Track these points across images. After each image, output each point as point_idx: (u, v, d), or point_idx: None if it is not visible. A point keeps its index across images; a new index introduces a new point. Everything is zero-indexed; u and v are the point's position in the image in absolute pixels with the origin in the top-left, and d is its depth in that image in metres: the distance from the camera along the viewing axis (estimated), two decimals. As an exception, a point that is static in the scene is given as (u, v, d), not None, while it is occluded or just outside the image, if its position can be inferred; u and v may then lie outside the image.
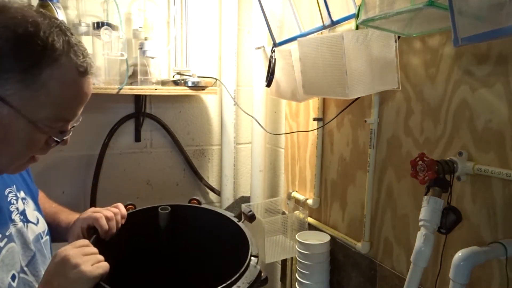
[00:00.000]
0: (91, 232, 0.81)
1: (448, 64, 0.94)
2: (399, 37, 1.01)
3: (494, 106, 0.84)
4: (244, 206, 0.88)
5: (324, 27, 1.16)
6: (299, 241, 1.31)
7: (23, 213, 0.77)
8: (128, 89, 1.40)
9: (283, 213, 1.64)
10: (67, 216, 0.93)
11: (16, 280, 0.68)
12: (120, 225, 0.84)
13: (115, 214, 0.84)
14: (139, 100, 1.57)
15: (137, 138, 1.62)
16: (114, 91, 1.36)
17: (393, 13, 0.77)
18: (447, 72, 0.94)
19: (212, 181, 1.79)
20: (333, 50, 0.99)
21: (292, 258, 1.54)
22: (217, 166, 1.80)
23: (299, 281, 1.33)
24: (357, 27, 0.98)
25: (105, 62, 1.38)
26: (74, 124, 0.74)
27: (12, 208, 0.74)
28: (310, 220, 1.48)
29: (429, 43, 0.98)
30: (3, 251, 0.67)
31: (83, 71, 0.67)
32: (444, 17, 0.70)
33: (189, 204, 0.95)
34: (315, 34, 1.20)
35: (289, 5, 1.31)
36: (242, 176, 1.86)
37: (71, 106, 0.68)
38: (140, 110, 1.58)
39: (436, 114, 0.97)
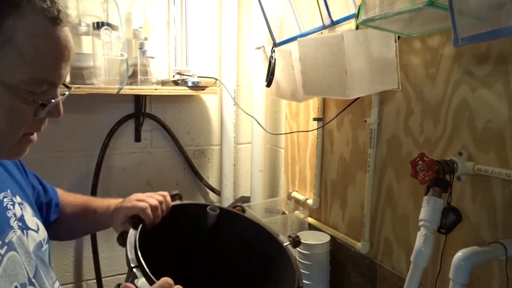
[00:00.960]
0: (136, 220, 0.76)
1: (448, 64, 0.94)
2: (399, 37, 1.01)
3: (494, 106, 0.84)
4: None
5: (324, 27, 1.16)
6: (299, 241, 1.31)
7: (21, 220, 0.70)
8: (128, 89, 1.40)
9: (283, 213, 1.64)
10: (102, 202, 0.89)
11: None
12: (164, 214, 0.80)
13: (160, 203, 0.80)
14: (139, 100, 1.57)
15: (137, 138, 1.62)
16: (114, 91, 1.36)
17: (393, 13, 0.77)
18: (447, 72, 0.94)
19: (212, 181, 1.79)
20: (333, 50, 0.99)
21: (292, 258, 1.54)
22: (217, 166, 1.80)
23: (299, 281, 1.33)
24: (357, 27, 0.98)
25: (105, 62, 1.38)
26: (66, 92, 0.66)
27: (10, 214, 0.68)
28: (310, 220, 1.48)
29: (429, 43, 0.98)
30: (4, 260, 0.61)
31: (54, 18, 0.57)
32: (444, 17, 0.70)
33: (237, 212, 0.89)
34: (315, 34, 1.20)
35: (289, 5, 1.31)
36: (242, 176, 1.86)
37: (50, 64, 0.59)
38: (140, 110, 1.58)
39: (436, 114, 0.97)
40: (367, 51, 0.99)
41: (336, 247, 1.34)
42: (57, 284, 0.74)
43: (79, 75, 1.36)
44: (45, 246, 0.76)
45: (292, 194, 1.59)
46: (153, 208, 0.78)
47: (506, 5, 0.61)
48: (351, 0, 1.10)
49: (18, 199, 0.73)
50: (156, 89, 1.46)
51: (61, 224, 0.90)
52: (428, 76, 0.99)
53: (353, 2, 1.09)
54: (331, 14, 1.12)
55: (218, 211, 0.85)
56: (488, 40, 0.77)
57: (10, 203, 0.70)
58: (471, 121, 0.89)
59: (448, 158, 0.90)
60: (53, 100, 0.61)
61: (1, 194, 0.69)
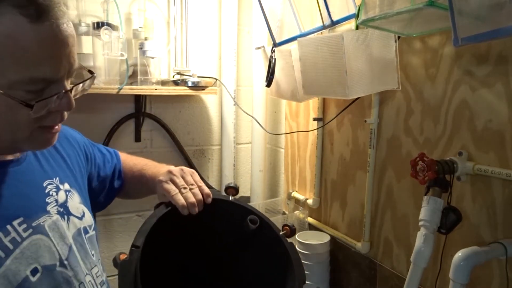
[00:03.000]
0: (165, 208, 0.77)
1: (448, 64, 0.94)
2: (399, 37, 1.01)
3: (494, 106, 0.84)
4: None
5: (324, 27, 1.16)
6: (299, 241, 1.31)
7: (63, 206, 0.73)
8: (128, 89, 1.40)
9: (283, 213, 1.64)
10: (153, 170, 0.91)
11: (38, 275, 0.64)
12: (202, 207, 0.78)
13: (195, 195, 0.79)
14: (139, 100, 1.57)
15: (137, 138, 1.62)
16: (114, 91, 1.36)
17: (393, 13, 0.77)
18: (447, 72, 0.94)
19: (212, 181, 1.79)
20: (333, 50, 0.99)
21: (292, 258, 1.54)
22: (217, 166, 1.80)
23: (299, 281, 1.33)
24: (357, 27, 0.98)
25: (105, 62, 1.38)
26: (79, 82, 0.67)
27: (50, 199, 0.71)
28: (310, 220, 1.48)
29: (429, 43, 0.98)
30: (25, 243, 0.64)
31: (31, 16, 0.56)
32: (444, 17, 0.70)
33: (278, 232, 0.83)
34: (315, 34, 1.20)
35: (289, 5, 1.31)
36: (242, 176, 1.86)
37: (41, 61, 0.58)
38: (140, 110, 1.58)
39: (436, 114, 0.97)
40: (367, 51, 0.99)
41: (336, 247, 1.34)
42: (96, 269, 0.76)
43: (79, 75, 1.36)
44: (91, 233, 0.79)
45: (292, 194, 1.59)
46: (190, 205, 0.77)
47: (506, 5, 0.61)
48: (351, 0, 1.10)
49: (66, 186, 0.76)
50: (156, 89, 1.46)
51: (126, 186, 0.98)
52: (428, 76, 0.99)
53: (353, 2, 1.09)
54: (331, 14, 1.12)
55: (258, 224, 0.80)
56: (488, 40, 0.77)
57: (54, 189, 0.73)
58: (471, 121, 0.89)
59: (448, 158, 0.90)
60: (55, 96, 0.61)
61: (47, 181, 0.73)
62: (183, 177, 0.82)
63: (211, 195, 0.81)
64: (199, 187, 0.81)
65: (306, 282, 0.75)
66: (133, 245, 0.66)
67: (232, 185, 0.85)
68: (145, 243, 0.67)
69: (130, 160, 1.01)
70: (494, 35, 0.64)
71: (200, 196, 0.79)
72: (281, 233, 0.80)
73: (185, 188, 0.79)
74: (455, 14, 0.67)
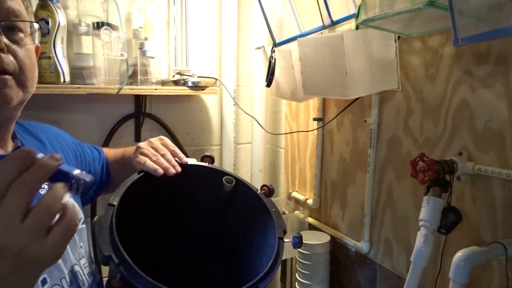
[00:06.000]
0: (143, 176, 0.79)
1: (448, 64, 0.94)
2: (399, 37, 1.01)
3: (494, 106, 0.84)
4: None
5: (324, 27, 1.16)
6: (299, 241, 1.31)
7: None
8: (128, 89, 1.40)
9: (283, 213, 1.64)
10: (130, 152, 0.93)
11: (47, 286, 0.65)
12: (179, 169, 0.80)
13: (168, 161, 0.80)
14: (139, 100, 1.57)
15: (137, 138, 1.61)
16: (114, 91, 1.36)
17: (393, 13, 0.77)
18: (447, 72, 0.94)
19: (212, 181, 1.79)
20: (333, 50, 0.99)
21: (292, 258, 1.54)
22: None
23: (299, 281, 1.33)
24: (357, 27, 0.98)
25: (105, 62, 1.37)
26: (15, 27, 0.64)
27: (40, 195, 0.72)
28: (310, 220, 1.48)
29: (429, 43, 0.98)
30: None
31: None
32: (444, 17, 0.70)
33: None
34: (315, 34, 1.20)
35: (289, 5, 1.31)
36: (242, 176, 1.83)
37: None
38: (140, 110, 1.58)
39: (436, 114, 0.97)
40: (367, 51, 0.99)
41: (336, 247, 1.34)
42: (83, 260, 0.76)
43: (79, 75, 1.36)
44: (80, 226, 0.80)
45: (292, 194, 1.59)
46: (164, 169, 0.79)
47: (506, 5, 0.61)
48: (351, 0, 1.10)
49: None
50: (156, 89, 1.46)
51: (113, 177, 1.01)
52: (428, 76, 0.99)
53: (353, 2, 1.09)
54: (331, 14, 1.12)
55: (233, 183, 0.84)
56: (488, 40, 0.77)
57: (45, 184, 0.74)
58: (471, 121, 0.89)
59: (448, 158, 0.90)
60: None
61: None
62: (152, 147, 0.84)
63: (185, 157, 0.83)
64: (172, 151, 0.84)
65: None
66: (108, 204, 0.68)
67: (207, 154, 0.88)
68: (126, 214, 0.68)
69: (112, 151, 1.04)
70: (494, 35, 0.64)
71: (172, 160, 0.81)
72: (258, 191, 0.83)
73: (155, 155, 0.81)
74: (455, 14, 0.67)
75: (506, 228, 0.83)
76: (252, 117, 1.63)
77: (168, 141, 0.87)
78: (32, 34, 0.68)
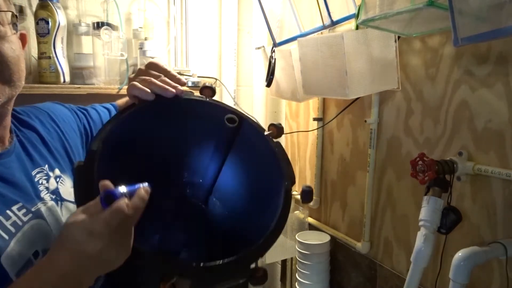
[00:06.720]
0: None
1: (448, 64, 0.94)
2: (399, 37, 1.01)
3: (494, 106, 0.84)
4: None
5: (324, 27, 1.16)
6: (299, 241, 1.32)
7: (55, 192, 0.73)
8: (128, 89, 1.40)
9: (283, 213, 1.64)
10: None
11: (39, 258, 0.64)
12: (179, 91, 0.70)
13: (164, 82, 0.71)
14: (139, 100, 1.57)
15: (137, 138, 1.61)
16: (114, 91, 1.36)
17: (393, 13, 0.77)
18: (447, 72, 0.94)
19: (212, 181, 1.79)
20: (333, 50, 0.99)
21: (292, 258, 1.54)
22: (217, 166, 1.79)
23: (299, 281, 1.33)
24: (357, 27, 0.98)
25: (105, 62, 1.37)
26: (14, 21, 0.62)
27: (41, 188, 0.71)
28: (310, 220, 1.48)
29: (429, 43, 0.98)
30: (26, 226, 0.64)
31: None
32: (444, 17, 0.70)
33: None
34: (315, 34, 1.20)
35: (289, 5, 1.31)
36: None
37: None
38: (140, 110, 1.58)
39: (436, 114, 0.97)
40: (367, 51, 0.99)
41: (336, 247, 1.34)
42: None
43: (79, 75, 1.36)
44: None
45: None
46: (161, 90, 0.70)
47: (506, 5, 0.61)
48: (351, 0, 1.10)
49: (56, 172, 0.75)
50: (156, 89, 1.46)
51: None
52: (428, 76, 0.99)
53: (353, 2, 1.09)
54: (331, 14, 1.12)
55: (236, 123, 0.73)
56: (488, 40, 0.77)
57: (44, 177, 0.72)
58: (471, 121, 0.89)
59: (448, 158, 0.90)
60: None
61: (35, 170, 0.72)
62: (145, 75, 0.73)
63: (183, 79, 0.73)
64: (168, 73, 0.74)
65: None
66: (88, 150, 0.61)
67: (208, 85, 0.75)
68: (119, 156, 0.61)
69: (124, 100, 0.98)
70: (494, 35, 0.64)
71: (170, 81, 0.72)
72: (266, 133, 0.74)
73: (146, 80, 0.71)
74: (455, 14, 0.67)
75: (506, 228, 0.83)
76: (252, 117, 1.63)
77: (161, 64, 0.76)
78: (13, 23, 0.63)
